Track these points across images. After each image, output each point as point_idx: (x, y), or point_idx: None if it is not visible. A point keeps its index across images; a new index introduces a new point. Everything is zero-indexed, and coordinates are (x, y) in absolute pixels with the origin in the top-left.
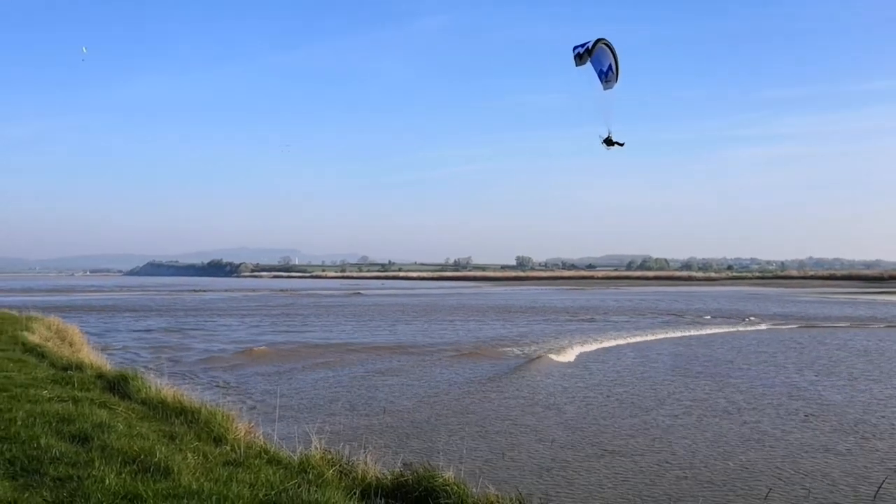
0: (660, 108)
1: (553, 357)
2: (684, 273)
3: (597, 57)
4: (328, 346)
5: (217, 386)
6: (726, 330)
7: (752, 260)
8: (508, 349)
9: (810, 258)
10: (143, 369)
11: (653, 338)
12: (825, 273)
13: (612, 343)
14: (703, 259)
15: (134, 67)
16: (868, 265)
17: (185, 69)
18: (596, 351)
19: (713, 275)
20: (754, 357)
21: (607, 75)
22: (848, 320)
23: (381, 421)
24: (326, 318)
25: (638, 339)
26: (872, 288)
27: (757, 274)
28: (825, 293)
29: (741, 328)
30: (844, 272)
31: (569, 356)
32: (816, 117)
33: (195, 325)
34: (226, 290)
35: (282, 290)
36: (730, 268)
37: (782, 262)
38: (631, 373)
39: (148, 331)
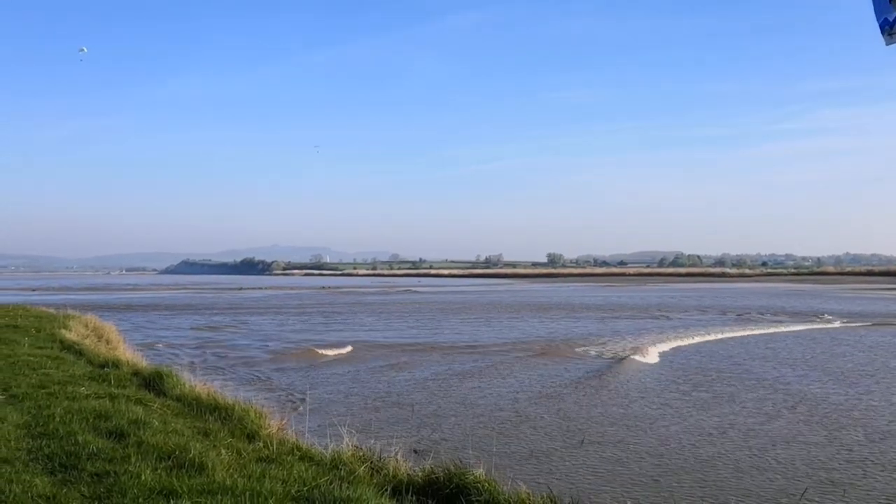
0: (694, 103)
1: (638, 358)
2: (717, 269)
3: None
4: (391, 345)
5: (268, 387)
6: (804, 328)
7: (788, 256)
8: (581, 349)
9: (847, 254)
10: (178, 367)
11: (728, 335)
12: (862, 269)
13: (688, 342)
14: (737, 255)
15: (169, 68)
16: None
17: (219, 69)
18: (674, 350)
19: (747, 271)
20: (863, 356)
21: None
22: None
23: (481, 439)
24: (377, 315)
25: (713, 336)
26: None
27: (792, 270)
28: (872, 289)
29: (816, 325)
30: (882, 268)
31: (651, 356)
32: (853, 110)
33: (249, 324)
34: (265, 288)
35: (322, 288)
36: (764, 264)
37: (818, 258)
38: (733, 377)
39: (194, 328)
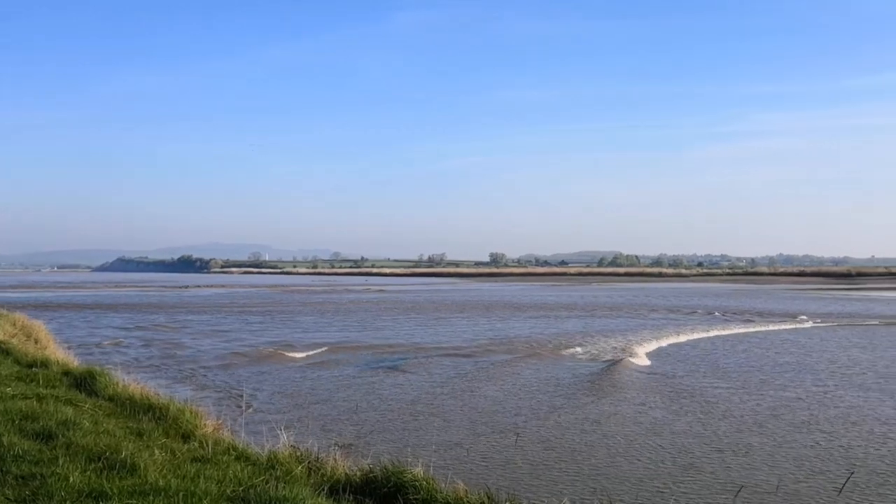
0: (635, 105)
1: (632, 360)
2: (655, 269)
3: None
4: (367, 346)
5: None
6: (783, 327)
7: (723, 256)
8: (567, 350)
9: (780, 255)
10: (117, 366)
11: (710, 335)
12: (795, 270)
13: (671, 341)
14: (674, 255)
15: (111, 63)
16: (836, 262)
17: (161, 65)
18: (660, 351)
19: (683, 271)
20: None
21: None
22: (876, 318)
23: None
24: (335, 316)
25: (695, 336)
26: (844, 284)
27: (727, 270)
28: (810, 289)
29: (796, 325)
30: (814, 269)
31: (641, 359)
32: (787, 114)
33: (196, 323)
34: (210, 286)
35: (271, 286)
36: (700, 264)
37: (752, 259)
38: (736, 379)
39: (139, 327)
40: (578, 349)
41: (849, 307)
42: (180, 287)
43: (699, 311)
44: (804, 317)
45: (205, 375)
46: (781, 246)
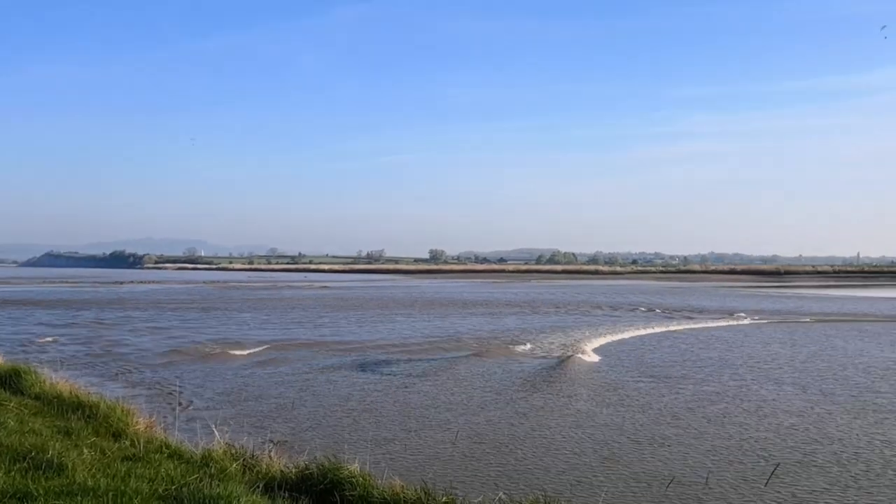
0: (575, 104)
1: (581, 357)
2: (591, 267)
3: None
4: (306, 343)
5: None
6: (723, 324)
7: (657, 254)
8: (517, 347)
9: (712, 253)
10: (48, 364)
11: (655, 331)
12: (726, 268)
13: (618, 337)
14: (609, 253)
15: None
16: (765, 260)
17: (85, 55)
18: (608, 347)
19: (619, 269)
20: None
21: None
22: (809, 315)
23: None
24: (285, 313)
25: (641, 332)
26: (774, 282)
27: (661, 268)
28: (746, 286)
29: (734, 322)
30: (744, 267)
31: (589, 356)
32: (719, 116)
33: (134, 319)
34: (147, 282)
35: (209, 283)
36: (634, 262)
37: (685, 257)
38: (689, 375)
39: (71, 324)
40: (528, 346)
41: (781, 304)
42: (116, 283)
43: (641, 308)
44: (742, 314)
45: (141, 373)
46: (713, 245)
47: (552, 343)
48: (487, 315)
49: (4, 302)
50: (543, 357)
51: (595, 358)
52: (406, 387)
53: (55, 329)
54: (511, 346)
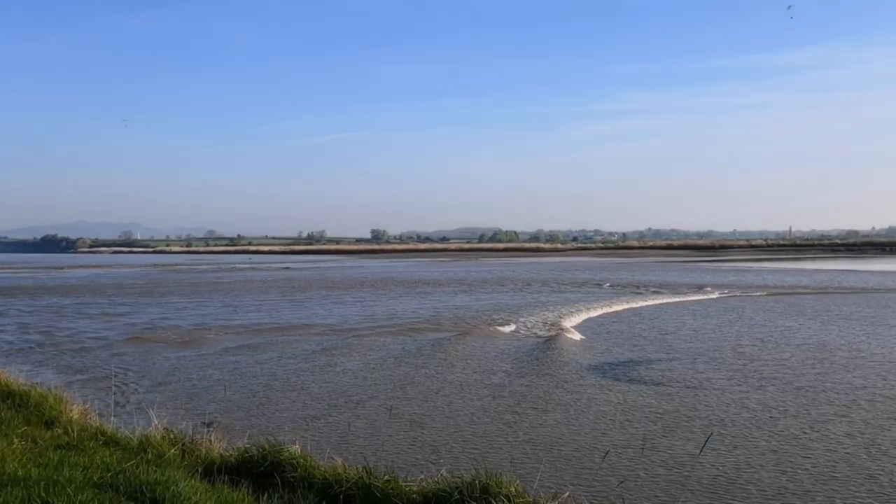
0: (513, 82)
1: (568, 336)
2: (532, 245)
3: None
4: (271, 328)
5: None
6: (686, 299)
7: (596, 231)
8: (499, 328)
9: (649, 229)
10: None
11: (622, 308)
12: (663, 243)
13: (594, 314)
14: (550, 231)
15: None
16: (701, 235)
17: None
18: (589, 323)
19: (559, 246)
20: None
21: None
22: (765, 288)
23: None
24: (228, 294)
25: (610, 309)
26: (709, 256)
27: (600, 245)
28: (684, 261)
29: (699, 297)
30: (681, 242)
31: (574, 333)
32: (656, 94)
33: (76, 305)
34: (88, 266)
35: (154, 266)
36: (574, 239)
37: (623, 234)
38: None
39: (8, 313)
40: (512, 326)
41: (736, 277)
42: (55, 268)
43: (607, 284)
44: (709, 287)
45: (80, 360)
46: (651, 221)
47: (533, 322)
48: (451, 294)
49: None
50: (528, 336)
51: (578, 336)
52: (406, 374)
53: (9, 318)
54: (494, 327)
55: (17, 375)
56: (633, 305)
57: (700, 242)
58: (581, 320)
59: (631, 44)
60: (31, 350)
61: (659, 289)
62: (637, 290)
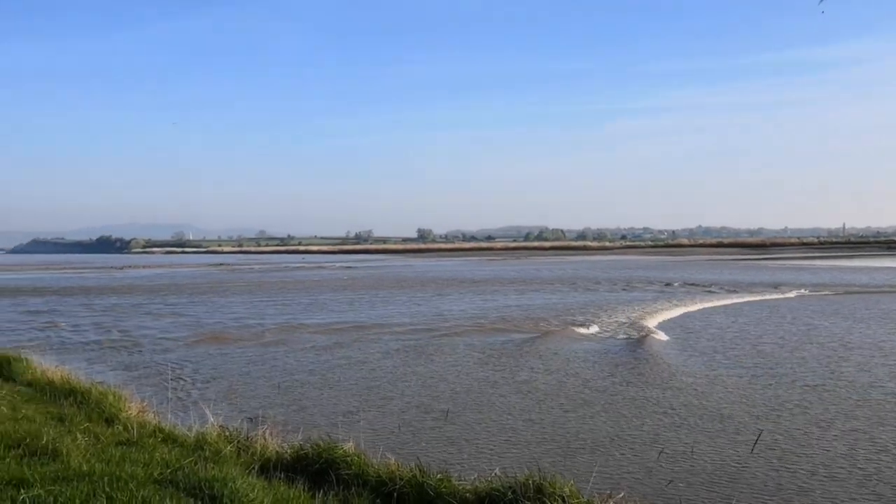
0: (548, 79)
1: (655, 337)
2: (580, 243)
3: None
4: (348, 327)
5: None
6: (763, 298)
7: (645, 229)
8: (574, 328)
9: (699, 227)
10: (29, 351)
11: (700, 307)
12: (713, 241)
13: (673, 314)
14: (598, 229)
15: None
16: (752, 233)
17: (66, 35)
18: (670, 323)
19: (608, 244)
20: None
21: None
22: (837, 286)
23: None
24: (298, 295)
25: (689, 308)
26: (760, 254)
27: (650, 243)
28: (747, 259)
29: (777, 296)
30: (731, 240)
31: (659, 334)
32: (702, 90)
33: (142, 306)
34: (148, 267)
35: (218, 265)
36: (623, 237)
37: (673, 231)
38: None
39: (94, 309)
40: (594, 327)
41: (812, 277)
42: (115, 268)
43: (676, 283)
44: (785, 286)
45: (144, 358)
46: (700, 218)
47: (612, 321)
48: (512, 293)
49: (16, 290)
50: (613, 337)
51: (664, 336)
52: (499, 377)
53: (66, 317)
54: (573, 327)
55: (84, 374)
56: (711, 304)
57: (750, 241)
58: (662, 320)
59: (674, 40)
60: (95, 348)
61: (733, 287)
62: (708, 288)
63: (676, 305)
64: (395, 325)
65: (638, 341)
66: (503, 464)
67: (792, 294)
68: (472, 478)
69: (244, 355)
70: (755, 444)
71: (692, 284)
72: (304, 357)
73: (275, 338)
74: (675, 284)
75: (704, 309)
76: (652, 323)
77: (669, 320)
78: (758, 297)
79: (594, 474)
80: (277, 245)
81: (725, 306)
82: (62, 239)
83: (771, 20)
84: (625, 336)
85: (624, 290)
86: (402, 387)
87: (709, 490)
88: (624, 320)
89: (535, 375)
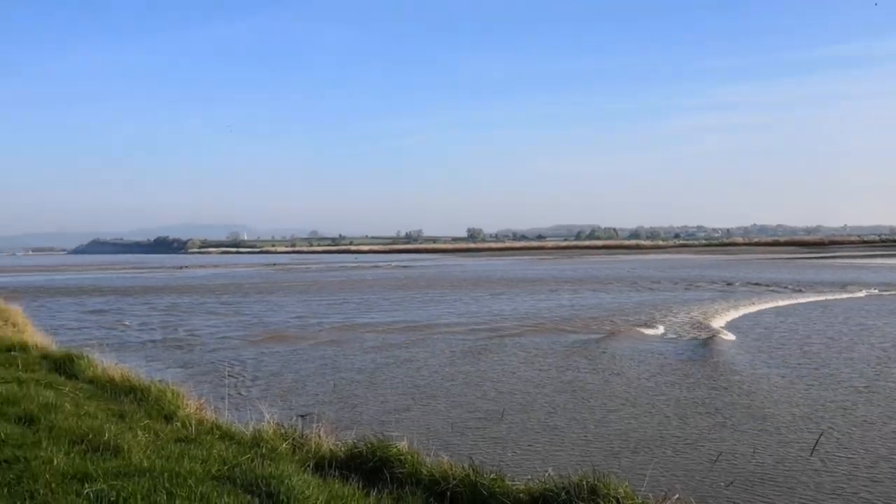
0: (602, 76)
1: (723, 337)
2: (632, 242)
3: None
4: (408, 327)
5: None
6: (841, 297)
7: (699, 228)
8: (639, 329)
9: (754, 225)
10: (89, 349)
11: (767, 306)
12: (769, 240)
13: (735, 315)
14: (651, 228)
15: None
16: (809, 231)
17: (119, 40)
18: (735, 323)
19: (661, 243)
20: None
21: None
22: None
23: None
24: (355, 293)
25: (755, 308)
26: (818, 253)
27: (704, 242)
28: (806, 257)
29: (846, 295)
30: (787, 238)
31: (726, 334)
32: (754, 86)
33: (206, 305)
34: (204, 266)
35: (272, 265)
36: (677, 236)
37: (728, 230)
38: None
39: (156, 309)
40: (659, 327)
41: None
42: (175, 268)
43: (737, 283)
44: (854, 286)
45: (202, 356)
46: (755, 216)
47: (677, 322)
48: (570, 292)
49: (80, 290)
50: (680, 338)
51: (732, 336)
52: (570, 379)
53: (128, 316)
54: (638, 328)
55: (144, 372)
56: (777, 304)
57: (808, 239)
58: (729, 320)
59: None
60: (154, 346)
61: (797, 287)
62: (771, 288)
63: (741, 305)
64: (455, 324)
65: (705, 342)
66: (570, 465)
67: (861, 294)
68: (526, 478)
69: (301, 354)
70: (814, 447)
71: (753, 284)
72: (360, 356)
73: (331, 337)
74: (736, 284)
75: (770, 309)
76: (718, 323)
77: (736, 320)
78: (826, 297)
79: (647, 477)
80: (329, 245)
81: (792, 306)
82: (121, 239)
83: (825, 14)
84: (692, 337)
85: (685, 289)
86: (473, 390)
87: (768, 493)
88: (688, 320)
89: (604, 377)
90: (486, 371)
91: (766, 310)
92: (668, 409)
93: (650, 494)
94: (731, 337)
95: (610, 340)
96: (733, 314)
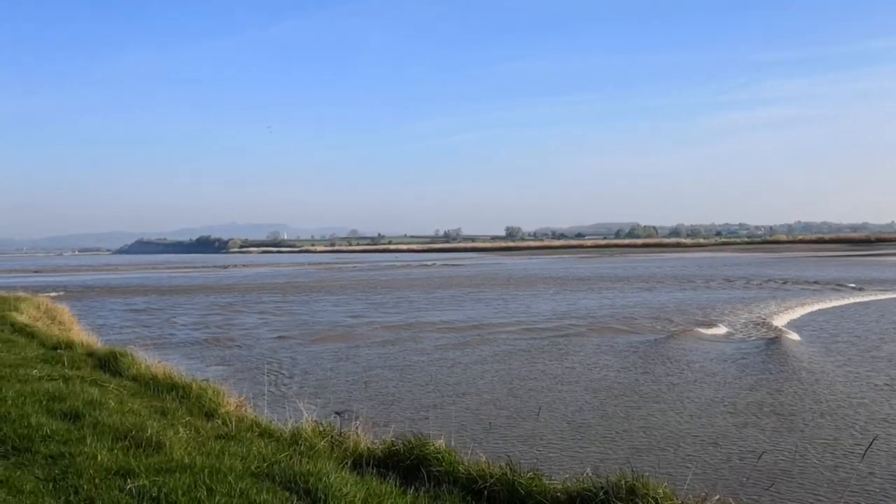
0: (641, 74)
1: (789, 337)
2: (672, 240)
3: None
4: (464, 326)
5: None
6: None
7: (741, 225)
8: (699, 329)
9: (798, 222)
10: (134, 347)
11: (830, 305)
12: (813, 237)
13: (803, 311)
14: (691, 225)
15: (115, 41)
16: (855, 228)
17: (166, 43)
18: (798, 322)
19: (702, 241)
20: None
21: None
22: None
23: None
24: (399, 293)
25: (817, 307)
26: (865, 250)
27: (746, 239)
28: (854, 255)
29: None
30: (832, 236)
31: (791, 334)
32: (801, 80)
33: (253, 305)
34: (248, 266)
35: (316, 265)
36: (718, 234)
37: (770, 227)
38: None
39: (208, 310)
40: (722, 327)
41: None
42: (220, 267)
43: (787, 280)
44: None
45: (243, 353)
46: (798, 213)
47: (738, 321)
48: (617, 291)
49: (126, 289)
50: (745, 338)
51: (797, 336)
52: (629, 382)
53: (173, 314)
54: (698, 328)
55: (186, 369)
56: (839, 303)
57: (854, 236)
58: (791, 319)
59: (768, 31)
60: (197, 344)
61: (858, 285)
62: (829, 285)
63: (800, 304)
64: (509, 324)
65: (770, 342)
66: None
67: None
68: (564, 477)
69: (341, 352)
70: (866, 451)
71: (808, 282)
72: (411, 357)
73: (377, 336)
74: (789, 282)
75: (831, 308)
76: (780, 322)
77: (798, 319)
78: (889, 296)
79: (689, 477)
80: (368, 244)
81: (854, 304)
82: (164, 239)
83: (879, 4)
84: (757, 337)
85: (739, 288)
86: (547, 395)
87: (809, 497)
88: (747, 320)
89: (671, 380)
90: (563, 374)
91: (827, 308)
92: (747, 414)
93: (689, 495)
94: (794, 336)
95: (674, 340)
96: (793, 313)
